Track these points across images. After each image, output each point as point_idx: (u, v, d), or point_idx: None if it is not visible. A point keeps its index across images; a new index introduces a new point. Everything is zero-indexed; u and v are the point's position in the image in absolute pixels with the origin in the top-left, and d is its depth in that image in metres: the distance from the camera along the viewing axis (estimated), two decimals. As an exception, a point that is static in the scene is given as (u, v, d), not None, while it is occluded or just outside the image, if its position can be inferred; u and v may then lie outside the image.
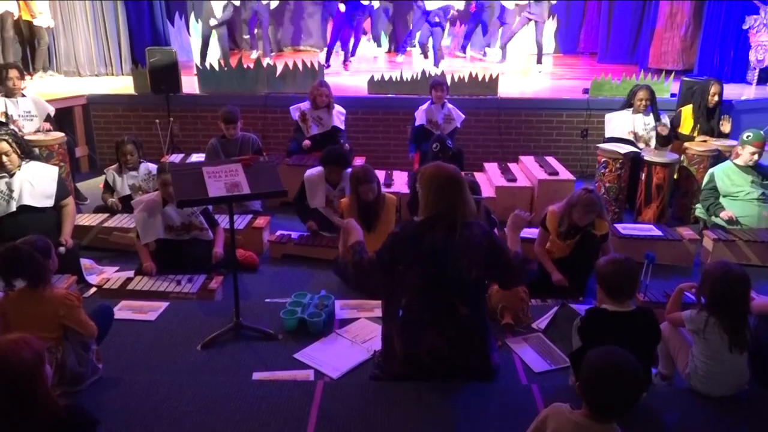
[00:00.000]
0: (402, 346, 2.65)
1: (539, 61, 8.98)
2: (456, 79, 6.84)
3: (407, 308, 2.64)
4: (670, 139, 5.75)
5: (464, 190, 2.59)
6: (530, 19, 8.89)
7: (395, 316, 2.68)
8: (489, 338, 2.74)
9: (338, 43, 9.15)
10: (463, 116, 6.20)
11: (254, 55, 9.20)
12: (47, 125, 5.59)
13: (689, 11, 8.48)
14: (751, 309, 2.71)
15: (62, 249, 3.94)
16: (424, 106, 6.11)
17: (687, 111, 5.96)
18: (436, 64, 8.78)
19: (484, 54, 10.25)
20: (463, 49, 10.31)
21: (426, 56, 9.52)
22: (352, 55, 9.07)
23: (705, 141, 5.70)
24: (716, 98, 5.79)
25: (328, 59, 8.77)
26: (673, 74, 7.19)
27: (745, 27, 7.70)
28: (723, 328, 2.58)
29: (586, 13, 10.87)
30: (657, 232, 4.69)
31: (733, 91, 7.24)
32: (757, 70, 7.66)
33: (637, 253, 3.98)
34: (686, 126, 5.94)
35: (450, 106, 6.15)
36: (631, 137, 5.71)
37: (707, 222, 5.04)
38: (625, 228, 4.77)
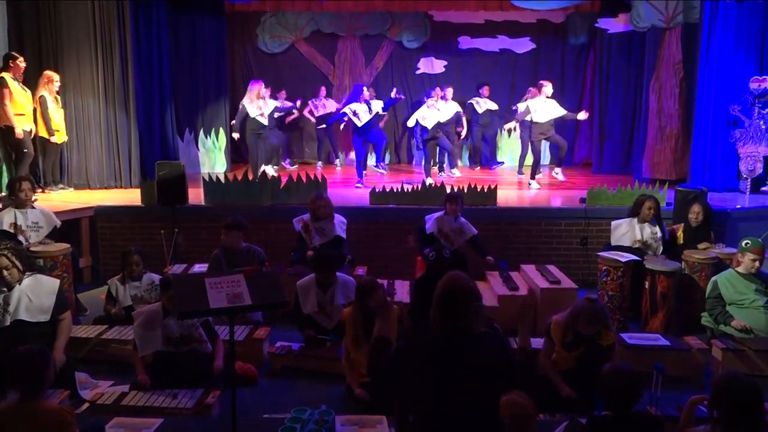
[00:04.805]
0: None
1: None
2: (455, 190, 7.01)
3: (417, 419, 2.54)
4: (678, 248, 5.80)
5: (470, 300, 2.56)
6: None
7: (406, 422, 2.57)
8: None
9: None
10: (476, 231, 6.14)
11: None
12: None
13: (678, 124, 8.83)
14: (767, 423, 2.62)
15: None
16: (437, 215, 6.13)
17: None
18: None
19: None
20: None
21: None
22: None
23: (706, 248, 5.74)
24: (699, 217, 5.85)
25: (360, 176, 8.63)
26: (667, 184, 7.37)
27: (731, 141, 8.00)
28: (741, 445, 2.47)
29: (579, 126, 11.32)
30: (664, 342, 4.60)
31: (727, 200, 7.40)
32: (750, 179, 7.85)
33: (645, 363, 3.90)
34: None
35: (463, 219, 6.13)
36: (638, 245, 5.76)
37: (714, 330, 4.96)
38: (631, 337, 4.68)
